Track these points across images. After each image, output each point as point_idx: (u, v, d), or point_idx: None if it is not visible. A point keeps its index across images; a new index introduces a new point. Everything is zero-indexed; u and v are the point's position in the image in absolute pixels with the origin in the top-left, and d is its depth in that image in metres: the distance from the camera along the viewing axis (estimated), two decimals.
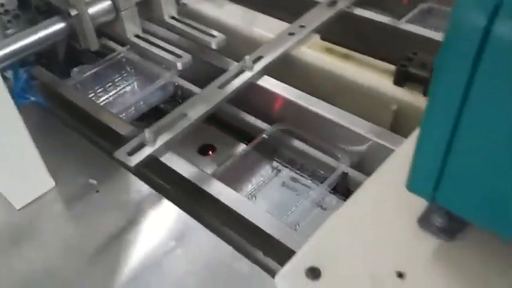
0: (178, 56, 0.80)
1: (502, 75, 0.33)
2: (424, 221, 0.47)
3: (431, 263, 0.44)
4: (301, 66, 1.05)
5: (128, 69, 1.10)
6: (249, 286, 0.62)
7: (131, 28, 0.83)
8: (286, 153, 0.99)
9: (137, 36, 0.83)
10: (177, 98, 1.07)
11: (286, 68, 1.05)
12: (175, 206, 0.75)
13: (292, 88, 0.97)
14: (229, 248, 0.67)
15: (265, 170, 0.99)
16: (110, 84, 1.09)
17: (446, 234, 0.46)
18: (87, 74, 1.03)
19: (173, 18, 0.88)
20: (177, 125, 0.86)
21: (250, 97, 1.01)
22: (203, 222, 0.73)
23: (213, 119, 1.03)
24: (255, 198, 0.93)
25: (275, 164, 0.99)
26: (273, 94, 0.98)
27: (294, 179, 0.95)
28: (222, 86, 0.94)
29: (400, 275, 0.44)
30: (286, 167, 0.98)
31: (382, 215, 0.49)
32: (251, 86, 0.98)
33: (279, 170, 0.98)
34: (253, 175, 0.99)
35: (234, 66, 0.99)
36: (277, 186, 0.95)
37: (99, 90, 1.08)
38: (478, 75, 0.34)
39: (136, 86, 1.10)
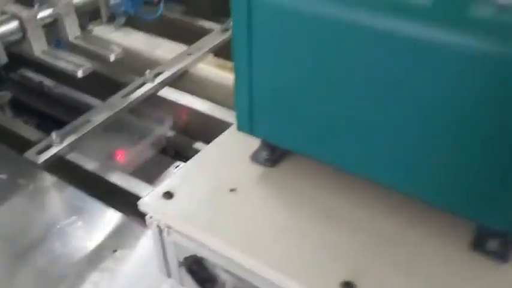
0: (79, 65, 0.93)
1: (268, 26, 0.49)
2: (254, 156, 0.62)
3: (257, 181, 0.59)
4: (198, 79, 1.21)
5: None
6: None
7: (38, 46, 0.96)
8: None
9: (43, 51, 0.96)
10: (169, 151, 1.15)
11: (186, 82, 1.21)
12: (79, 191, 0.86)
13: (189, 95, 1.12)
14: (119, 214, 0.79)
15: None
16: None
17: (269, 162, 0.61)
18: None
19: (77, 38, 1.02)
20: (82, 128, 0.98)
21: (154, 107, 1.15)
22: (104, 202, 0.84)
23: (124, 129, 1.16)
24: None
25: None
26: (172, 102, 1.13)
27: None
28: (124, 96, 1.08)
29: (232, 190, 0.58)
30: None
31: (224, 157, 0.63)
32: (153, 97, 1.13)
33: None
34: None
35: (136, 80, 1.13)
36: None
37: None
38: (252, 31, 0.50)
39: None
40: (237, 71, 0.55)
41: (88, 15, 1.13)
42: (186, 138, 1.14)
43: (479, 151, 0.43)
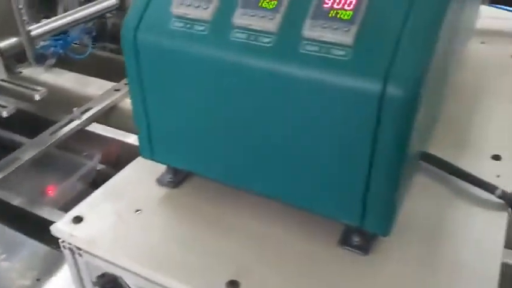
0: (3, 106, 0.98)
1: (152, 63, 0.57)
2: (159, 179, 0.69)
3: (161, 202, 0.66)
4: (127, 113, 1.27)
5: None
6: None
7: None
8: None
9: None
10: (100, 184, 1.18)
11: (115, 116, 1.27)
12: (5, 226, 0.90)
13: (117, 129, 1.18)
14: (43, 246, 0.83)
15: None
16: None
17: (172, 184, 0.68)
18: None
19: (3, 80, 1.06)
20: (10, 166, 1.02)
21: (84, 142, 1.20)
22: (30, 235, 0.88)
23: (55, 165, 1.20)
24: None
25: None
26: (101, 136, 1.18)
27: None
28: (53, 133, 1.12)
29: (137, 210, 0.64)
30: None
31: (133, 182, 0.69)
32: (82, 132, 1.18)
33: None
34: None
35: (65, 117, 1.18)
36: None
37: None
38: (141, 69, 0.57)
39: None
40: (133, 104, 0.62)
41: (14, 58, 1.18)
42: (116, 170, 1.19)
43: (336, 164, 0.51)
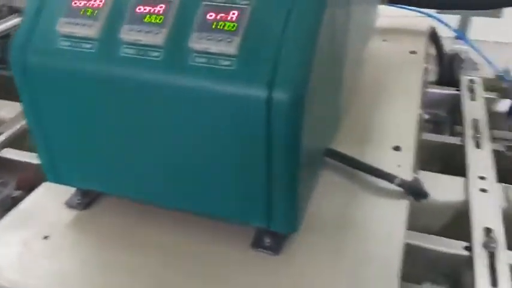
0: None
1: (44, 86, 0.55)
2: (68, 201, 0.67)
3: (70, 225, 0.64)
4: None
5: None
6: None
7: None
8: None
9: None
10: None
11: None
12: None
13: (32, 152, 1.13)
14: None
15: None
16: None
17: (82, 206, 0.66)
18: None
19: None
20: None
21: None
22: None
23: None
24: None
25: None
26: (14, 161, 1.13)
27: None
28: None
29: (46, 237, 0.62)
30: None
31: (41, 207, 0.67)
32: None
33: None
34: None
35: None
36: None
37: None
38: (33, 90, 0.56)
39: None
40: (30, 128, 0.60)
41: None
42: None
43: (236, 171, 0.52)
